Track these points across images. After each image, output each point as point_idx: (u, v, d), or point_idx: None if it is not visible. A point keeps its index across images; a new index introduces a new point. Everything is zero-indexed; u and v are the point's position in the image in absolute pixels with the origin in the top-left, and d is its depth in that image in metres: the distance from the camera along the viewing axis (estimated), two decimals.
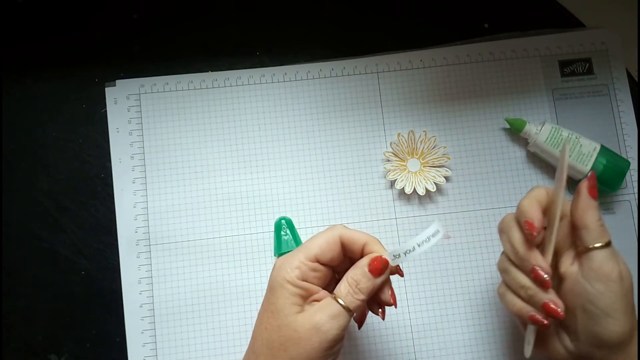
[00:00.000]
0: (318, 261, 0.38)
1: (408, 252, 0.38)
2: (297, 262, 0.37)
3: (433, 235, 0.38)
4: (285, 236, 0.50)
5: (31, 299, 0.51)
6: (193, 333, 0.50)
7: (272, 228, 0.52)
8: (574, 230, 0.39)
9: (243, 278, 0.51)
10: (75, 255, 0.52)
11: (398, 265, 0.40)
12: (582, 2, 0.57)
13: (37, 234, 0.52)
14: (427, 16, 0.56)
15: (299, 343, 0.35)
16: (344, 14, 0.56)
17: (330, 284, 0.40)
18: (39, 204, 0.52)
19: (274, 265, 0.39)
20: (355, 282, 0.37)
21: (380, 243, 0.39)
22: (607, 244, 0.38)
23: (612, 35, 0.56)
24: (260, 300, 0.50)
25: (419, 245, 0.37)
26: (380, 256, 0.38)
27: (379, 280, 0.38)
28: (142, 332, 0.50)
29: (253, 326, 0.39)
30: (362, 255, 0.39)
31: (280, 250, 0.50)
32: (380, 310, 0.40)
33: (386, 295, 0.39)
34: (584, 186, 0.38)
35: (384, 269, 0.38)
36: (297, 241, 0.50)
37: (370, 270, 0.37)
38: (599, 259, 0.37)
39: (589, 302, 0.37)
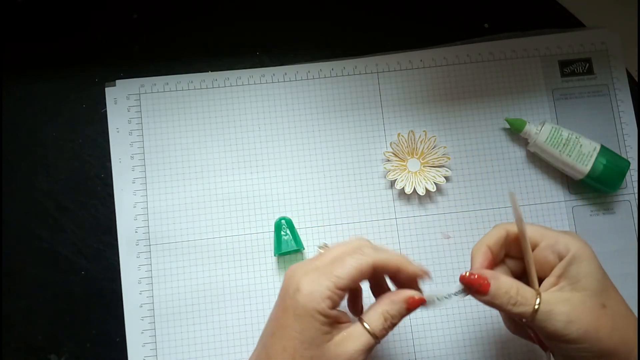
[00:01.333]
0: (347, 289, 0.37)
1: (443, 298, 0.38)
2: (329, 292, 0.36)
3: (462, 291, 0.38)
4: (285, 236, 0.50)
5: (31, 299, 0.51)
6: (193, 333, 0.50)
7: (272, 228, 0.52)
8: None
9: (243, 278, 0.51)
10: (75, 255, 0.52)
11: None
12: (582, 2, 0.57)
13: (37, 234, 0.52)
14: (427, 16, 0.56)
15: None
16: (344, 14, 0.56)
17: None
18: (39, 204, 0.52)
19: (297, 287, 0.36)
20: (392, 317, 0.37)
21: (410, 262, 0.39)
22: (537, 306, 0.36)
23: (612, 35, 0.56)
24: (260, 300, 0.50)
25: (455, 294, 0.38)
26: (421, 298, 0.38)
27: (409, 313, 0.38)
28: (142, 332, 0.50)
29: (265, 347, 0.37)
30: (394, 276, 0.39)
31: (280, 250, 0.50)
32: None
33: None
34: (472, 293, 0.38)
35: (418, 307, 0.38)
36: (297, 241, 0.50)
37: (408, 309, 0.38)
38: (538, 323, 0.36)
39: (567, 355, 0.37)
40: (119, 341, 0.50)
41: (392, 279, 0.40)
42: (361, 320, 0.37)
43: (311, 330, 0.35)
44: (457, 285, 0.38)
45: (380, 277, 0.41)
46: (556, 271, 0.37)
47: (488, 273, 0.37)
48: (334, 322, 0.36)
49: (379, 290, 0.41)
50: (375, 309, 0.37)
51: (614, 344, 0.35)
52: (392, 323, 0.37)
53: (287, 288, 0.37)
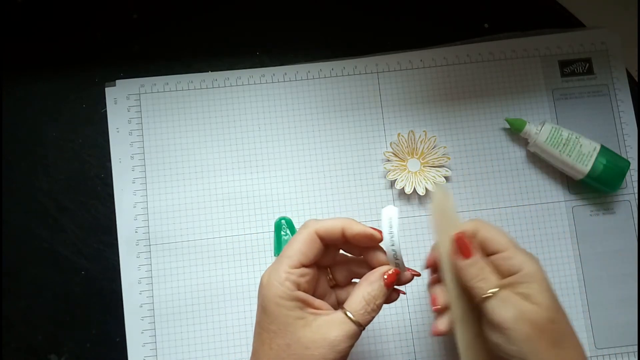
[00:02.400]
0: (303, 265, 0.37)
1: (395, 247, 0.38)
2: (284, 274, 0.36)
3: (392, 219, 0.38)
4: (285, 236, 0.50)
5: (31, 299, 0.51)
6: (193, 333, 0.50)
7: (272, 228, 0.52)
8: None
9: (243, 278, 0.51)
10: (75, 255, 0.52)
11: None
12: (582, 2, 0.57)
13: (37, 234, 0.52)
14: (427, 16, 0.56)
15: (312, 359, 0.35)
16: (344, 14, 0.56)
17: (319, 281, 0.40)
18: (39, 204, 0.52)
19: (261, 282, 0.37)
20: (374, 297, 0.37)
21: (356, 221, 0.39)
22: (493, 294, 0.36)
23: (612, 35, 0.56)
24: None
25: (390, 235, 0.38)
26: (394, 270, 0.38)
27: (390, 290, 0.38)
28: (142, 332, 0.50)
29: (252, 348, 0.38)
30: (344, 239, 0.38)
31: (280, 250, 0.50)
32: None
33: (395, 296, 0.40)
34: (451, 248, 0.38)
35: (396, 280, 0.38)
36: None
37: (387, 284, 0.37)
38: (488, 308, 0.36)
39: (500, 353, 0.36)
40: (119, 341, 0.50)
41: (346, 247, 0.40)
42: (342, 309, 0.37)
43: (280, 317, 0.36)
44: (386, 217, 0.38)
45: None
46: (505, 281, 0.37)
47: (475, 244, 0.38)
48: (305, 306, 0.36)
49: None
50: (355, 294, 0.37)
51: None
52: (375, 305, 0.37)
53: (258, 290, 0.38)
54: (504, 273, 0.37)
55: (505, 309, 0.35)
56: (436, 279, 0.42)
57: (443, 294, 0.40)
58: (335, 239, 0.38)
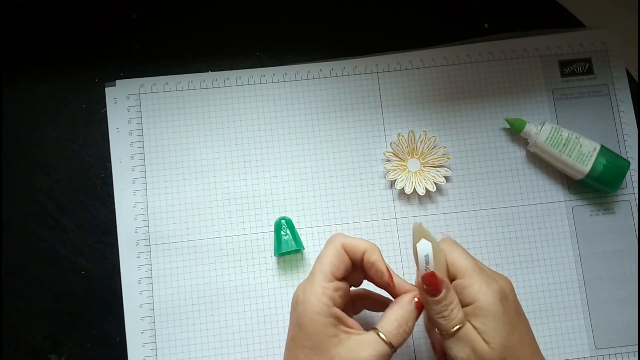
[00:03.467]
0: (336, 278, 0.38)
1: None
2: (320, 289, 0.37)
3: (428, 255, 0.38)
4: (285, 236, 0.50)
5: (31, 299, 0.51)
6: (193, 333, 0.50)
7: (272, 228, 0.52)
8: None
9: (243, 278, 0.51)
10: (75, 255, 0.52)
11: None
12: (582, 2, 0.57)
13: (37, 234, 0.52)
14: (427, 16, 0.56)
15: None
16: (344, 13, 0.56)
17: (349, 301, 0.40)
18: (39, 204, 0.52)
19: (296, 298, 0.38)
20: (405, 320, 0.37)
21: (379, 250, 0.39)
22: (455, 332, 0.37)
23: (612, 35, 0.56)
24: (260, 300, 0.50)
25: (427, 270, 0.38)
26: (423, 295, 0.38)
27: (420, 313, 0.39)
28: (142, 332, 0.50)
29: None
30: (362, 262, 0.39)
31: (280, 250, 0.50)
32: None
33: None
34: (419, 283, 0.38)
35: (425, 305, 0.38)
36: (297, 241, 0.50)
37: (417, 308, 0.38)
38: (447, 345, 0.37)
39: None
40: (119, 341, 0.50)
41: (368, 275, 0.41)
42: (375, 329, 0.37)
43: (316, 335, 0.36)
44: (422, 252, 0.39)
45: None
46: (463, 313, 0.37)
47: (446, 281, 0.38)
48: (339, 323, 0.37)
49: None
50: (387, 315, 0.38)
51: None
52: (406, 327, 0.37)
53: (292, 305, 0.38)
54: (462, 302, 0.38)
55: (459, 348, 0.36)
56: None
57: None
58: (357, 258, 0.39)
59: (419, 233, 0.39)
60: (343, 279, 0.39)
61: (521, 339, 0.37)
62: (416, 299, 0.38)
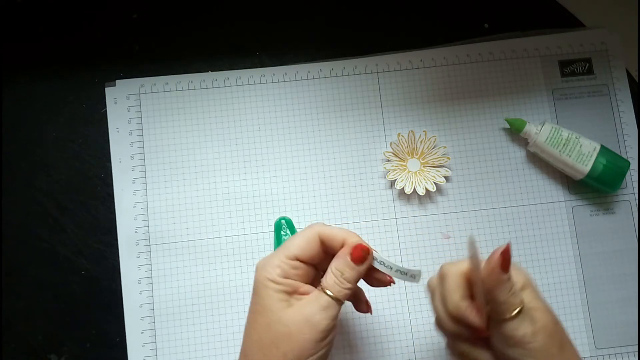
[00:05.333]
0: (298, 259, 0.38)
1: (384, 264, 0.39)
2: (278, 261, 0.37)
3: (411, 276, 0.39)
4: (285, 236, 0.50)
5: (31, 299, 0.51)
6: (193, 333, 0.50)
7: (272, 228, 0.52)
8: (488, 300, 0.37)
9: (243, 278, 0.51)
10: (75, 255, 0.52)
11: (367, 302, 0.42)
12: (582, 2, 0.57)
13: (37, 234, 0.52)
14: (427, 16, 0.56)
15: (291, 338, 0.35)
16: (344, 14, 0.56)
17: (314, 282, 0.40)
18: (39, 204, 0.52)
19: (256, 267, 0.39)
20: (340, 272, 0.38)
21: (360, 238, 0.39)
22: (519, 312, 0.36)
23: (612, 35, 0.56)
24: None
25: (395, 271, 0.39)
26: (360, 244, 0.38)
27: (363, 267, 0.38)
28: (142, 332, 0.50)
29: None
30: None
31: None
32: (367, 305, 0.42)
33: (379, 279, 0.40)
34: (495, 259, 0.37)
35: (365, 256, 0.38)
36: None
37: (353, 259, 0.38)
38: (511, 327, 0.36)
39: None
40: (119, 341, 0.50)
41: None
42: (319, 286, 0.38)
43: (265, 299, 0.37)
44: (413, 271, 0.39)
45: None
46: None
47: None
48: (292, 292, 0.37)
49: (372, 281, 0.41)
50: (328, 270, 0.38)
51: None
52: (344, 278, 0.37)
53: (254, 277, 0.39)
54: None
55: (525, 324, 0.36)
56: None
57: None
58: (334, 247, 0.39)
59: (472, 246, 0.38)
60: (309, 264, 0.39)
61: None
62: (352, 250, 0.38)
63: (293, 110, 0.54)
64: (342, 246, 0.39)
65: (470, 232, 0.52)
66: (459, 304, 0.37)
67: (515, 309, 0.36)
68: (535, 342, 0.35)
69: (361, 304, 0.42)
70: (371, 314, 0.43)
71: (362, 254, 0.38)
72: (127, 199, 0.52)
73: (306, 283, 0.39)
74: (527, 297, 0.37)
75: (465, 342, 0.39)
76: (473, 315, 0.37)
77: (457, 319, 0.38)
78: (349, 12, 0.56)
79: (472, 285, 0.38)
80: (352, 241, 0.39)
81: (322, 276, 0.40)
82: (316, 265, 0.40)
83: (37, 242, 0.52)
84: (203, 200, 0.52)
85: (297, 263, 0.38)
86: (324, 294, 0.37)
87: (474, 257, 0.37)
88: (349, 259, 0.38)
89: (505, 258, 0.36)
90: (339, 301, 0.37)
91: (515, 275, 0.37)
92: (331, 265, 0.38)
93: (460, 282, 0.38)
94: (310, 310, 0.36)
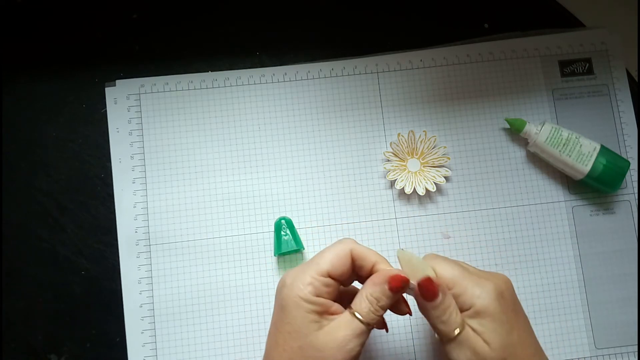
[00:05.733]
0: (330, 276, 0.37)
1: (412, 289, 0.38)
2: (310, 278, 0.37)
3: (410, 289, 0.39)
4: (285, 236, 0.50)
5: (31, 299, 0.51)
6: (193, 333, 0.50)
7: (272, 228, 0.52)
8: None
9: (243, 278, 0.51)
10: (75, 255, 0.52)
11: (384, 320, 0.42)
12: (582, 2, 0.57)
13: (37, 234, 0.52)
14: (427, 16, 0.56)
15: None
16: (344, 14, 0.56)
17: (338, 299, 0.40)
18: (39, 204, 0.52)
19: (283, 281, 0.38)
20: (376, 300, 0.37)
21: (389, 263, 0.39)
22: (455, 337, 0.36)
23: (612, 35, 0.56)
24: (260, 300, 0.50)
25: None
26: (400, 275, 0.38)
27: (397, 296, 0.38)
28: (142, 332, 0.50)
29: (264, 348, 0.38)
30: (370, 273, 0.39)
31: (280, 250, 0.50)
32: (384, 324, 0.42)
33: (403, 308, 0.40)
34: (415, 291, 0.37)
35: (404, 288, 0.38)
36: (297, 241, 0.50)
37: (391, 289, 0.37)
38: (447, 350, 0.37)
39: None
40: (119, 341, 0.50)
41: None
42: (349, 308, 0.37)
43: (297, 319, 0.36)
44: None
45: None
46: (462, 318, 0.37)
47: (442, 285, 0.37)
48: (323, 312, 0.37)
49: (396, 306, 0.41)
50: (360, 294, 0.38)
51: None
52: (379, 306, 0.37)
53: (278, 289, 0.38)
54: (460, 309, 0.37)
55: (460, 352, 0.36)
56: None
57: None
58: (363, 268, 0.39)
59: (404, 258, 0.39)
60: (339, 281, 0.39)
61: (521, 338, 0.37)
62: (390, 280, 0.38)
63: (293, 110, 0.54)
64: (371, 267, 0.39)
65: (471, 231, 0.52)
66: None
67: (448, 334, 0.36)
68: None
69: (401, 304, 0.41)
70: (410, 314, 0.41)
71: (401, 285, 0.37)
72: (127, 199, 0.52)
73: (334, 300, 0.38)
74: (480, 326, 0.36)
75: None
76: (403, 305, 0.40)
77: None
78: (349, 12, 0.56)
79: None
80: (385, 268, 0.38)
81: (343, 292, 0.40)
82: (343, 282, 0.40)
83: (37, 242, 0.52)
84: (203, 200, 0.52)
85: (328, 280, 0.37)
86: (356, 320, 0.36)
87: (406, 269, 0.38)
88: (386, 287, 0.37)
89: (424, 289, 0.37)
90: (369, 327, 0.37)
91: (469, 299, 0.37)
92: (366, 291, 0.37)
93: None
94: (344, 336, 0.36)
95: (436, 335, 0.38)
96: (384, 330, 0.43)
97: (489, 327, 0.36)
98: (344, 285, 0.41)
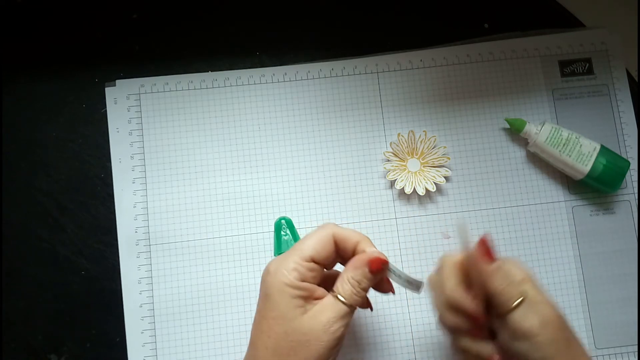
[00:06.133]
0: (313, 261, 0.38)
1: (394, 273, 0.39)
2: (293, 264, 0.37)
3: (415, 287, 0.40)
4: (285, 236, 0.50)
5: (31, 299, 0.51)
6: (193, 333, 0.50)
7: (272, 228, 0.52)
8: (487, 292, 0.37)
9: (243, 278, 0.51)
10: (75, 255, 0.52)
11: (369, 300, 0.42)
12: (582, 2, 0.57)
13: (37, 234, 0.52)
14: (427, 16, 0.56)
15: (309, 345, 0.36)
16: (344, 13, 0.56)
17: (321, 283, 0.40)
18: (39, 204, 0.52)
19: (267, 269, 0.38)
20: (357, 282, 0.38)
21: (372, 242, 0.39)
22: (520, 302, 0.36)
23: (612, 35, 0.56)
24: None
25: (404, 280, 0.40)
26: (379, 257, 0.38)
27: (378, 277, 0.39)
28: (142, 332, 0.50)
29: (249, 337, 0.38)
30: (353, 254, 0.39)
31: (280, 250, 0.50)
32: (388, 283, 0.42)
33: (385, 287, 0.41)
34: (475, 252, 0.37)
35: (384, 269, 0.38)
36: (297, 241, 0.50)
37: (371, 271, 0.38)
38: (515, 319, 0.36)
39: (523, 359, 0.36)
40: (119, 341, 0.50)
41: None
42: (332, 292, 0.38)
43: (281, 305, 0.36)
44: (418, 280, 0.40)
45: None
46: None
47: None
48: (308, 297, 0.37)
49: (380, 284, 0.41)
50: (342, 277, 0.38)
51: None
52: (361, 288, 0.38)
53: (262, 277, 0.39)
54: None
55: (531, 316, 0.35)
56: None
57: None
58: (346, 249, 0.39)
59: (463, 230, 0.39)
60: (322, 265, 0.39)
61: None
62: (370, 261, 0.38)
63: (293, 110, 0.54)
64: (354, 248, 0.39)
65: (471, 231, 0.52)
66: (454, 290, 0.37)
67: (516, 299, 0.36)
68: (542, 335, 0.35)
69: (383, 284, 0.41)
70: (393, 293, 0.42)
71: (381, 267, 0.38)
72: (127, 199, 0.52)
73: (318, 284, 0.39)
74: (529, 290, 0.36)
75: (466, 336, 0.38)
76: (468, 301, 0.37)
77: (454, 307, 0.38)
78: (349, 12, 0.56)
79: (468, 274, 0.38)
80: (368, 250, 0.39)
81: (326, 276, 0.40)
82: (327, 266, 0.40)
83: (37, 242, 0.52)
84: (203, 200, 0.52)
85: (312, 265, 0.38)
86: (339, 302, 0.37)
87: (465, 244, 0.38)
88: (366, 269, 0.38)
89: (483, 248, 0.37)
90: (353, 308, 0.37)
91: (513, 269, 0.37)
92: (347, 273, 0.38)
93: (455, 271, 0.38)
94: (328, 318, 0.36)
95: (499, 309, 0.36)
96: (369, 309, 0.43)
97: (535, 290, 0.36)
98: (327, 269, 0.41)
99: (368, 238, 0.40)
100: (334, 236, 0.39)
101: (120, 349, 0.50)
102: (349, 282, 0.38)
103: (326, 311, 0.36)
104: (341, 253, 0.40)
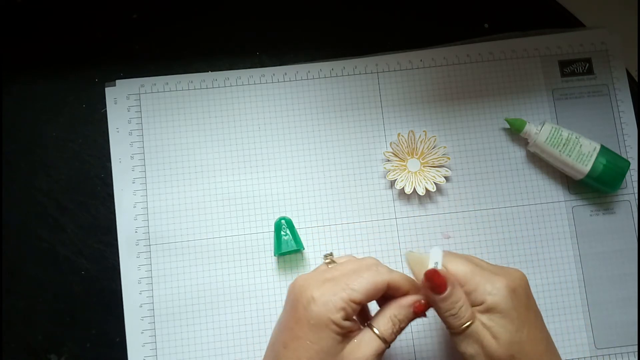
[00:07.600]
0: (360, 303, 0.38)
1: None
2: (343, 304, 0.36)
3: (438, 263, 0.40)
4: (285, 236, 0.50)
5: (31, 299, 0.51)
6: (193, 333, 0.50)
7: (272, 228, 0.52)
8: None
9: (243, 278, 0.51)
10: (75, 255, 0.52)
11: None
12: (582, 2, 0.57)
13: (37, 234, 0.52)
14: (427, 16, 0.56)
15: None
16: (344, 13, 0.56)
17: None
18: (39, 204, 0.52)
19: (314, 299, 0.37)
20: (400, 321, 0.38)
21: (415, 283, 0.40)
22: (464, 329, 0.37)
23: (612, 35, 0.56)
24: (260, 300, 0.50)
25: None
26: (426, 301, 0.39)
27: (414, 319, 0.39)
28: (142, 332, 0.50)
29: (275, 349, 0.38)
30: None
31: (280, 250, 0.50)
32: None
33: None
34: (422, 284, 0.38)
35: (425, 313, 0.39)
36: (297, 241, 0.50)
37: (415, 312, 0.38)
38: (457, 342, 0.38)
39: None
40: (119, 341, 0.50)
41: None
42: (370, 326, 0.38)
43: (325, 340, 0.36)
44: (433, 258, 0.40)
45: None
46: (473, 312, 0.38)
47: (451, 278, 0.38)
48: (347, 333, 0.37)
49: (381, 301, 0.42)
50: (384, 314, 0.38)
51: None
52: (400, 327, 0.38)
53: (299, 298, 0.37)
54: (472, 304, 0.38)
55: (468, 345, 0.37)
56: None
57: None
58: (394, 296, 0.39)
59: (413, 259, 0.40)
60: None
61: (531, 334, 0.37)
62: (417, 305, 0.39)
63: (293, 110, 0.54)
64: (403, 294, 0.39)
65: (471, 231, 0.52)
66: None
67: (457, 327, 0.37)
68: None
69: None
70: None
71: (424, 309, 0.39)
72: (127, 199, 0.52)
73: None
74: (490, 321, 0.37)
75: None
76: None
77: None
78: (349, 12, 0.56)
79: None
80: (413, 293, 0.39)
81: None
82: None
83: (37, 242, 0.52)
84: (203, 200, 0.52)
85: (359, 306, 0.38)
86: (378, 339, 0.37)
87: (417, 275, 0.39)
88: (411, 310, 0.38)
89: (431, 281, 0.37)
90: (388, 345, 0.38)
91: (480, 296, 0.37)
92: (391, 312, 0.38)
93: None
94: (367, 356, 0.36)
95: (446, 327, 0.39)
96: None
97: (498, 323, 0.37)
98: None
99: (413, 281, 0.40)
100: (389, 285, 0.38)
101: (120, 349, 0.50)
102: (391, 320, 0.38)
103: (364, 347, 0.37)
104: (385, 295, 0.40)
